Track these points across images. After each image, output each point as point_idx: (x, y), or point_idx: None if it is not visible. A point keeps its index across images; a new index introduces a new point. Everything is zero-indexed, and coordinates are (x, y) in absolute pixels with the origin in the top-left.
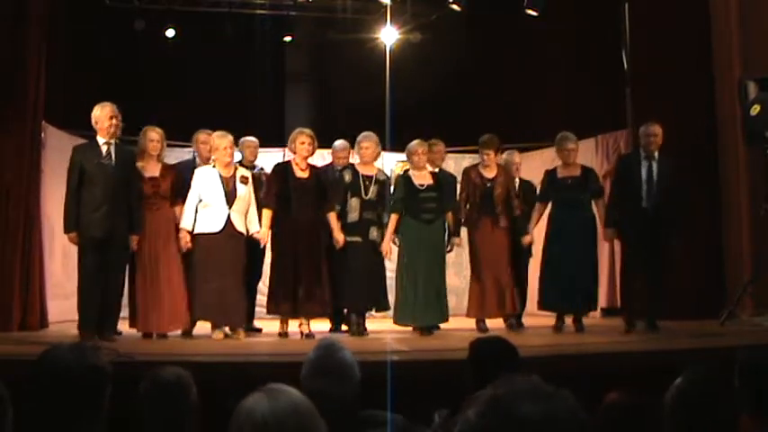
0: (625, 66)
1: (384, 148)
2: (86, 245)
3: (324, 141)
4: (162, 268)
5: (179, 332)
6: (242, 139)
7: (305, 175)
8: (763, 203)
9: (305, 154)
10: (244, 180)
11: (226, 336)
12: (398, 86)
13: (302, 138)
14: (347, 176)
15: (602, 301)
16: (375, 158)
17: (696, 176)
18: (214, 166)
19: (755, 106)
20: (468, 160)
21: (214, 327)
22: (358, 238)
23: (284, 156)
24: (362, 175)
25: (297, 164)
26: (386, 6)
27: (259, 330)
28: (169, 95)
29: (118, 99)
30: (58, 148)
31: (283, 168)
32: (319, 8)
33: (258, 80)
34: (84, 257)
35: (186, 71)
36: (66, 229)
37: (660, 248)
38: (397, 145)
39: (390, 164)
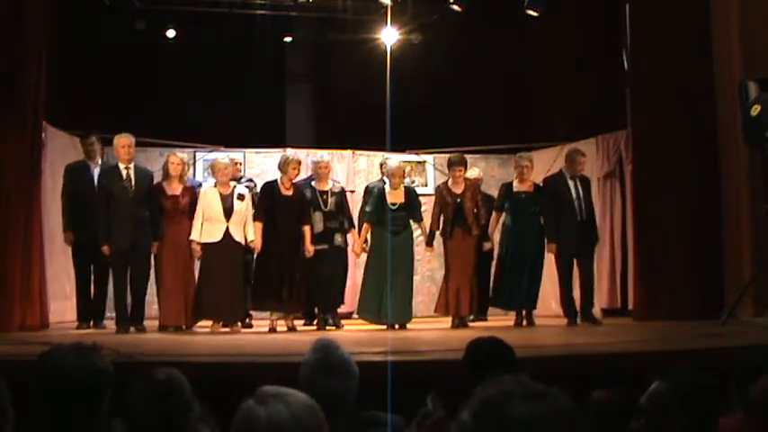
0: (625, 66)
1: (384, 149)
2: (116, 254)
3: (324, 141)
4: (179, 273)
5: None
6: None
7: (289, 192)
8: (764, 203)
9: (292, 177)
10: (240, 197)
11: (223, 326)
12: (399, 87)
13: (293, 164)
14: (308, 194)
15: (603, 301)
16: (327, 175)
17: (696, 177)
18: (215, 186)
19: (756, 106)
20: (467, 160)
21: (213, 322)
22: (325, 246)
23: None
24: (319, 191)
25: (283, 183)
26: (386, 7)
27: (250, 326)
28: (169, 96)
29: (118, 99)
30: (58, 149)
31: (270, 187)
32: (319, 8)
33: (258, 80)
34: (115, 265)
35: (186, 71)
36: (101, 243)
37: (590, 252)
38: (398, 145)
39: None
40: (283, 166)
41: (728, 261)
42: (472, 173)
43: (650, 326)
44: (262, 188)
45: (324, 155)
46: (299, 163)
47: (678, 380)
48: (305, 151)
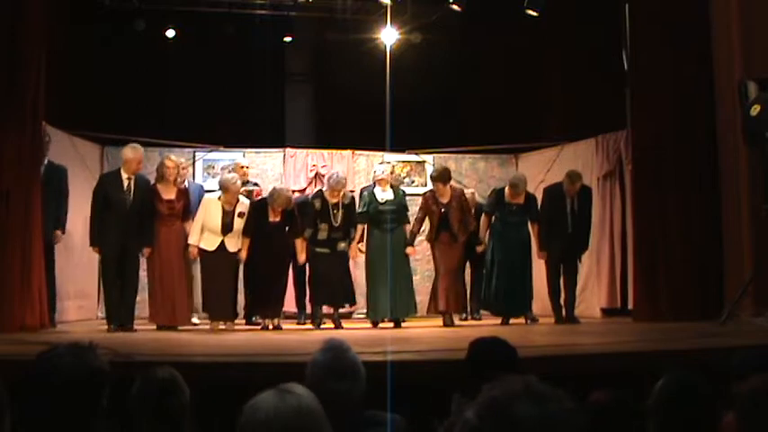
0: (625, 66)
1: (384, 149)
2: (106, 256)
3: (324, 141)
4: (174, 273)
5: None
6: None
7: (278, 219)
8: (763, 203)
9: (279, 209)
10: (240, 215)
11: (220, 327)
12: (398, 87)
13: (279, 201)
14: (317, 204)
15: (603, 301)
16: (340, 193)
17: (696, 177)
18: (220, 198)
19: (756, 106)
20: (467, 160)
21: (212, 321)
22: (327, 250)
23: (284, 156)
24: (331, 204)
25: (273, 209)
26: (386, 7)
27: (258, 324)
28: (169, 96)
29: (117, 99)
30: (58, 148)
31: (260, 210)
32: (319, 8)
33: (258, 80)
34: (105, 266)
35: (186, 71)
36: (92, 243)
37: (576, 260)
38: (397, 145)
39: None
40: (269, 197)
41: (728, 261)
42: (467, 191)
43: (650, 326)
44: (254, 208)
45: (339, 173)
46: (290, 199)
47: (681, 378)
48: (305, 151)
